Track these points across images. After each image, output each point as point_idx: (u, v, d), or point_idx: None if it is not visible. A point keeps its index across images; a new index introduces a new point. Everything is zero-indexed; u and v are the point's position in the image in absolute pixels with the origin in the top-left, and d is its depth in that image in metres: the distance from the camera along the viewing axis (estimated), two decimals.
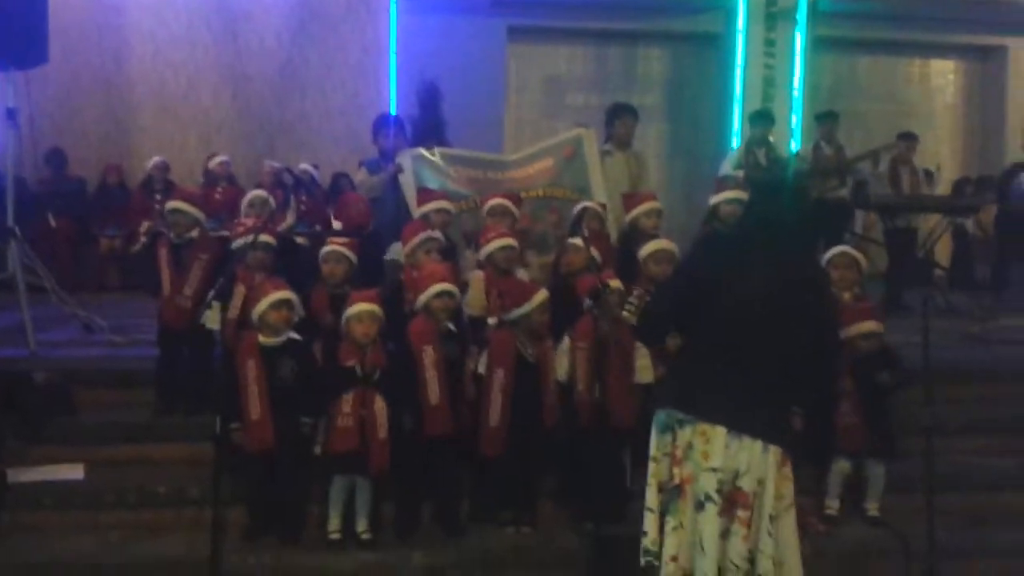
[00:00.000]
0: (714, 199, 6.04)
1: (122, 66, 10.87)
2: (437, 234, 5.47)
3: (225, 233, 5.89)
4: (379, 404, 4.57)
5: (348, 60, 11.24)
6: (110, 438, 5.24)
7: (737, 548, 3.22)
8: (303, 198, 8.19)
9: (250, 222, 5.59)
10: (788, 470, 3.34)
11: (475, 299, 5.28)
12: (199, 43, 10.99)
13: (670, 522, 3.29)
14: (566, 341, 4.87)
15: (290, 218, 7.49)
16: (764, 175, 3.67)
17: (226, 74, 11.03)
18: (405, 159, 6.70)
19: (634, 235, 5.93)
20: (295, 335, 4.76)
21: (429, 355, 4.65)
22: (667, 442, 3.35)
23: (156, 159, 9.92)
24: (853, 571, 4.68)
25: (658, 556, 3.33)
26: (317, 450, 4.70)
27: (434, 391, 4.63)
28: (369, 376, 4.59)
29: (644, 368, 4.88)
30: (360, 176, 6.87)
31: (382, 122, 7.05)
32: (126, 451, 5.20)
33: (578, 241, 5.36)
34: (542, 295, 4.78)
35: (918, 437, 4.58)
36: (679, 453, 3.28)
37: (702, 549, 3.21)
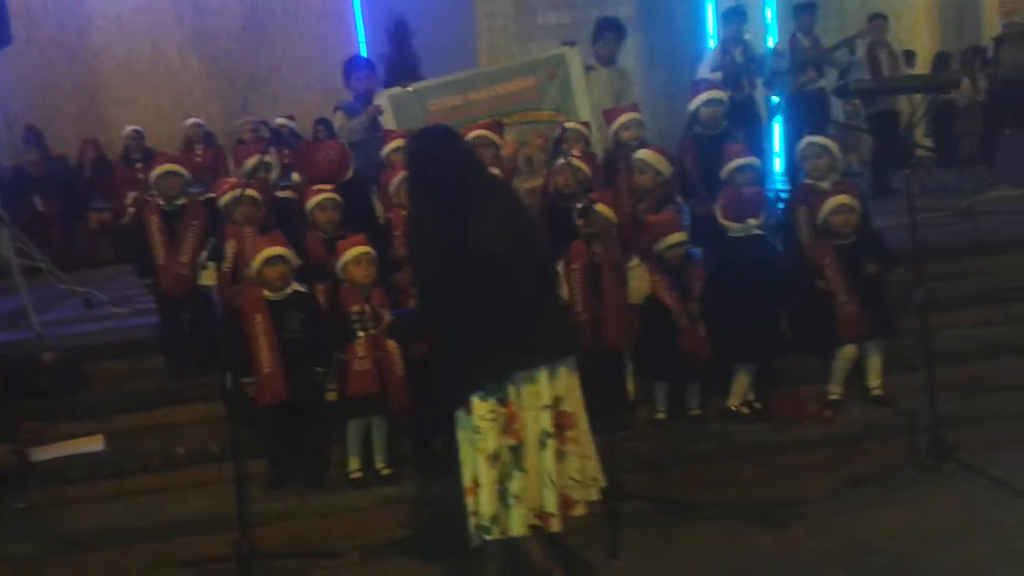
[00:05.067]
0: (693, 103, 6.04)
1: (86, 38, 10.76)
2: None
3: (212, 195, 5.90)
4: (392, 344, 4.63)
5: (312, 5, 11.11)
6: (126, 408, 5.33)
7: (575, 466, 3.45)
8: (285, 151, 8.15)
9: (234, 180, 5.59)
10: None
11: None
12: (160, 5, 10.84)
13: (519, 480, 3.36)
14: (560, 265, 4.93)
15: (275, 172, 7.47)
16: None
17: (190, 35, 10.92)
18: (383, 100, 6.67)
19: (618, 150, 5.94)
20: (300, 287, 4.80)
21: None
22: (493, 406, 3.37)
23: (129, 128, 9.86)
24: (862, 450, 4.78)
25: (499, 529, 3.39)
26: (330, 396, 4.79)
27: None
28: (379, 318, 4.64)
29: (637, 289, 4.94)
30: (339, 121, 6.83)
31: (353, 64, 6.96)
32: (143, 418, 5.29)
33: (562, 162, 5.37)
34: None
35: (913, 314, 4.70)
36: (514, 408, 3.37)
37: (550, 483, 3.37)
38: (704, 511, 4.36)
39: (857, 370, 5.15)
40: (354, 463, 4.74)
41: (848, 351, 5.07)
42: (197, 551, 4.39)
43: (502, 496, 3.39)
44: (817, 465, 4.71)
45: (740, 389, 5.09)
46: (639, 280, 4.94)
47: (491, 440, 3.36)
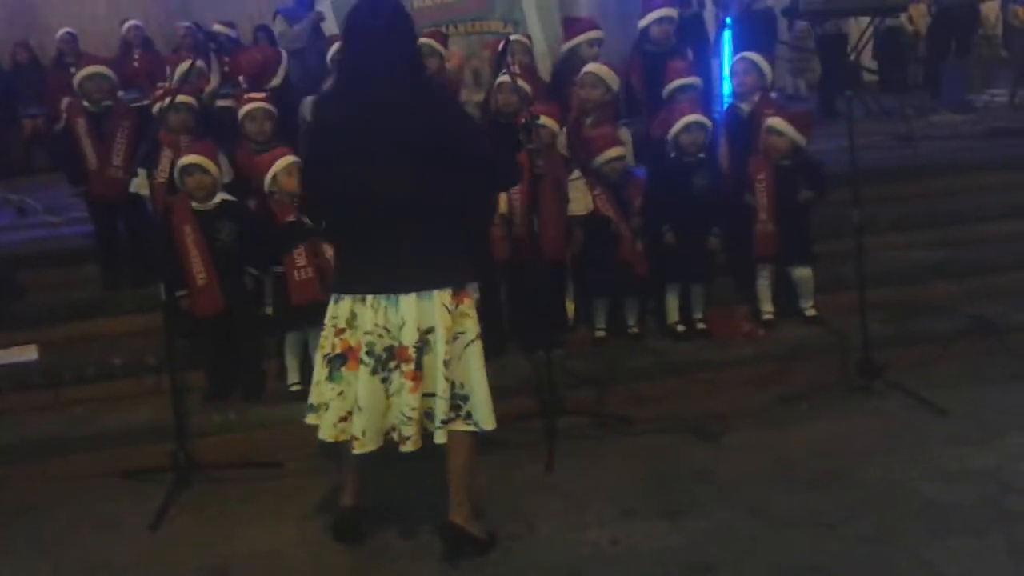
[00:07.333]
0: (644, 20, 5.96)
1: None
2: None
3: (147, 102, 5.74)
4: (330, 251, 4.57)
5: None
6: (60, 317, 5.24)
7: (406, 400, 3.29)
8: (225, 58, 7.92)
9: (167, 86, 5.45)
10: (467, 306, 3.38)
11: None
12: None
13: (335, 388, 3.38)
14: None
15: (214, 80, 7.26)
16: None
17: None
18: (325, 5, 6.49)
19: (573, 62, 5.85)
20: (228, 196, 4.71)
21: None
22: (333, 315, 3.39)
23: (62, 31, 9.53)
24: (793, 368, 4.88)
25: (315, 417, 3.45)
26: (268, 311, 4.76)
27: None
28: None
29: (578, 200, 4.96)
30: (279, 27, 6.65)
31: None
32: (78, 328, 5.21)
33: (505, 78, 5.29)
34: None
35: (849, 237, 4.77)
36: (341, 323, 3.34)
37: (359, 407, 3.31)
38: (639, 425, 4.44)
39: (793, 291, 5.23)
40: (293, 376, 4.74)
41: (764, 271, 5.17)
42: (135, 462, 4.34)
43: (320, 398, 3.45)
44: (750, 382, 4.81)
45: (675, 308, 5.16)
46: (580, 192, 4.97)
47: (327, 343, 3.40)
